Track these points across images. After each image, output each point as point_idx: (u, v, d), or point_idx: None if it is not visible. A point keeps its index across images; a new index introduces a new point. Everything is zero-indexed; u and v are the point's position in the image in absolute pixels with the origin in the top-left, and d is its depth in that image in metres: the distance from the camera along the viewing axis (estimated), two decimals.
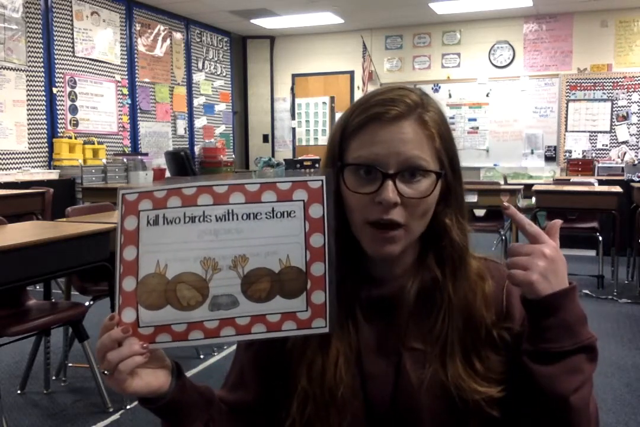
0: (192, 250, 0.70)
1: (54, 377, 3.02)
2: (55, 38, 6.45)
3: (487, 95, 8.84)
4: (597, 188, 5.22)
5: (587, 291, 4.71)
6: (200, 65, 8.94)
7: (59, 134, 6.48)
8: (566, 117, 8.53)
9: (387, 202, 0.75)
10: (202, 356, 3.34)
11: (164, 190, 0.71)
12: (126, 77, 7.49)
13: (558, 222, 0.77)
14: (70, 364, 3.09)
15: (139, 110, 7.70)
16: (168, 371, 0.75)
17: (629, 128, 8.27)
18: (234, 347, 3.43)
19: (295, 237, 0.71)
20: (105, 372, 0.70)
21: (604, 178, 6.38)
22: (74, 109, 6.71)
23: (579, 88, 8.45)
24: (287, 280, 0.70)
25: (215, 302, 0.69)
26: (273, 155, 9.86)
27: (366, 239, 0.80)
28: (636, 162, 7.68)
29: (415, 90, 0.83)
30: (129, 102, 7.54)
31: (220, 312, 0.70)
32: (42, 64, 6.29)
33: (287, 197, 0.71)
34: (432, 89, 9.02)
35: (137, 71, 7.67)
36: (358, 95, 9.48)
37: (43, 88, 6.32)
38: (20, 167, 6.04)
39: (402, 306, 0.83)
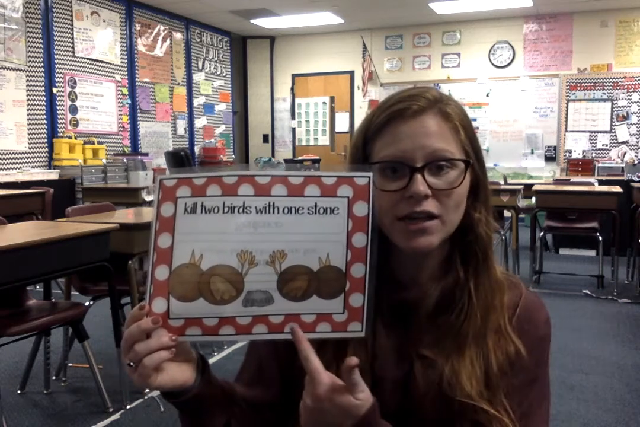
0: (229, 242, 0.67)
1: (54, 377, 3.01)
2: (55, 38, 6.45)
3: (487, 95, 8.84)
4: (597, 188, 5.22)
5: (587, 291, 4.70)
6: (200, 65, 8.94)
7: (59, 134, 6.48)
8: (566, 117, 8.53)
9: (418, 194, 0.74)
10: None
11: (203, 178, 0.68)
12: (126, 77, 7.49)
13: (352, 361, 0.65)
14: (70, 364, 3.09)
15: (139, 110, 7.70)
16: (193, 364, 0.73)
17: (629, 128, 8.27)
18: (234, 346, 3.44)
19: (336, 236, 0.68)
20: (131, 364, 0.67)
21: (604, 178, 6.38)
22: (74, 109, 6.71)
23: (579, 88, 8.45)
24: (325, 280, 0.67)
25: (249, 298, 0.67)
26: (273, 155, 9.86)
27: (398, 234, 0.77)
28: (636, 162, 7.68)
29: (432, 87, 0.84)
30: (129, 102, 7.54)
31: (254, 309, 0.67)
32: (42, 64, 6.30)
33: (332, 193, 0.68)
34: None
35: (137, 71, 7.67)
36: (358, 95, 9.49)
37: (43, 88, 6.33)
38: (20, 167, 6.04)
39: (421, 312, 0.81)
